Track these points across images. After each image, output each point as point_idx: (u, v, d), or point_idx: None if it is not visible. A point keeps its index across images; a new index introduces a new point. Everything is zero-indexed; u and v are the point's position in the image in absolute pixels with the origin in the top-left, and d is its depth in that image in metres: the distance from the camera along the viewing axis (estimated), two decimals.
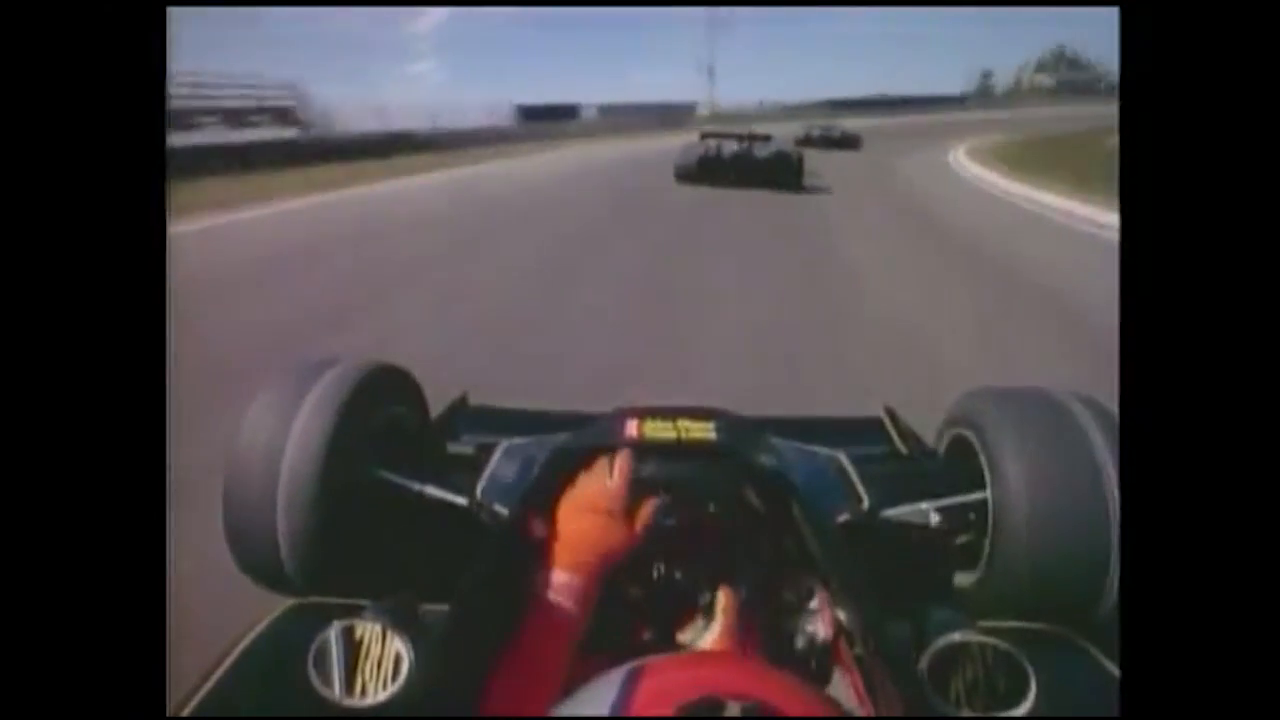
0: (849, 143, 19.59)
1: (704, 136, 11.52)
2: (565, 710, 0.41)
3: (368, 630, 0.71)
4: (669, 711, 0.36)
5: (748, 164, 10.57)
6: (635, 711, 0.37)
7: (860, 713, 0.67)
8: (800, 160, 10.64)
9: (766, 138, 11.45)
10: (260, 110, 22.65)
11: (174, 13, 0.53)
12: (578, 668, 0.60)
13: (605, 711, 0.38)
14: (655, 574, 0.84)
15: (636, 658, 0.45)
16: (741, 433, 1.02)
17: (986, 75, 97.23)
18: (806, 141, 20.36)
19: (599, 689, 0.40)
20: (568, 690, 0.45)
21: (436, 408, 1.68)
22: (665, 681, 0.41)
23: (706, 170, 10.67)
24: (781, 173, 10.37)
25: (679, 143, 14.41)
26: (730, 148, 10.99)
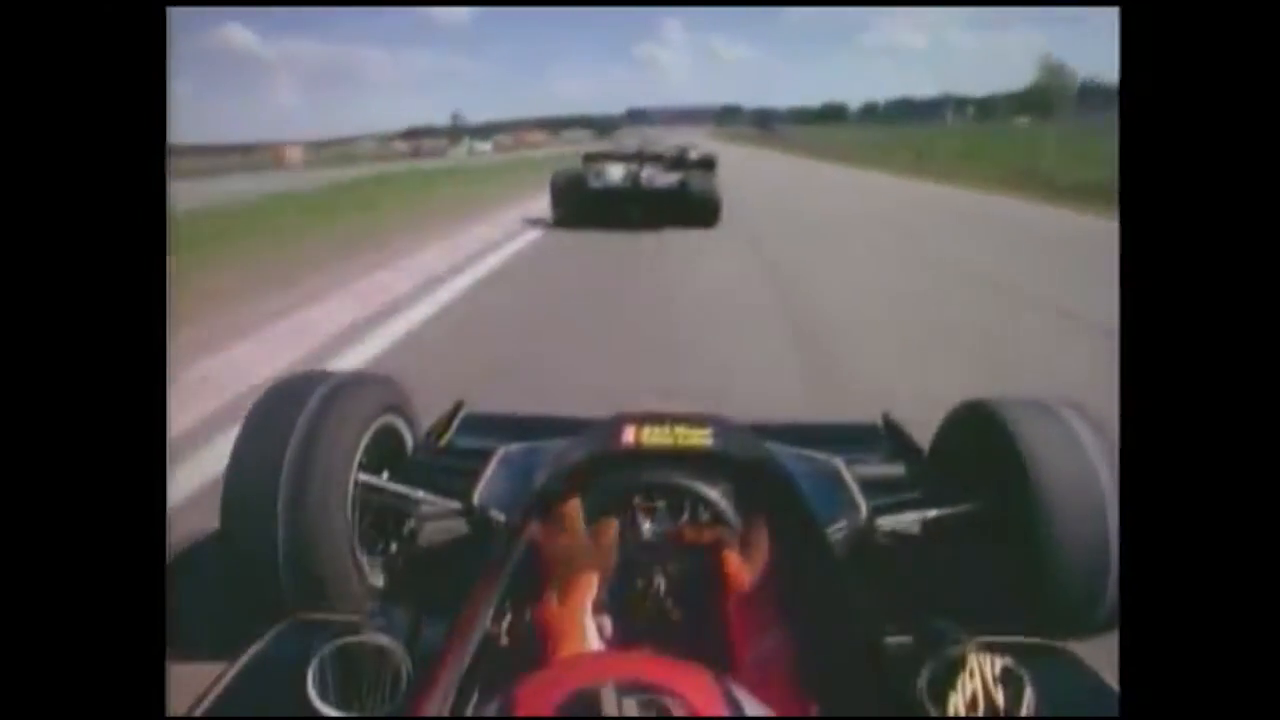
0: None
1: (588, 159, 7.97)
2: None
3: (366, 645, 0.69)
4: (549, 712, 0.35)
5: (639, 197, 7.19)
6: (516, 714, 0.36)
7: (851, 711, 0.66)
8: (715, 187, 7.23)
9: (680, 156, 8.02)
10: None
11: (182, 12, 0.53)
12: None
13: None
14: (655, 582, 0.83)
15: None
16: (738, 439, 1.02)
17: None
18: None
19: (489, 707, 0.40)
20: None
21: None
22: (543, 682, 0.40)
23: (588, 205, 7.28)
24: (685, 206, 7.01)
25: None
26: (620, 173, 7.51)
